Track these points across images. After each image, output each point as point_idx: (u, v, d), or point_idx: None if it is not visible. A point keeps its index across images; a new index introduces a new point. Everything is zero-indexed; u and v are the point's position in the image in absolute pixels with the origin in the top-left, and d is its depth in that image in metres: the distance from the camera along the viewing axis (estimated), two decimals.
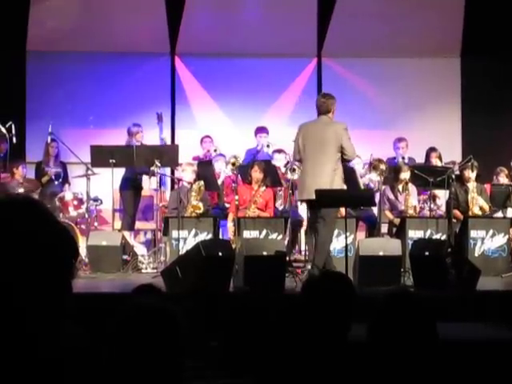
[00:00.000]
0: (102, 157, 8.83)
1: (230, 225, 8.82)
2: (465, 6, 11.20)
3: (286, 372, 2.73)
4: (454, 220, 8.87)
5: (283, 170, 9.23)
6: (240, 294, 6.86)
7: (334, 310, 2.78)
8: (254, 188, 8.93)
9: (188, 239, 8.30)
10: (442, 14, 11.21)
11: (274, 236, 8.31)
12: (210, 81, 11.48)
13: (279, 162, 9.44)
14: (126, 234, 9.08)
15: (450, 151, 10.62)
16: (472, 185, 9.12)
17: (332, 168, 7.36)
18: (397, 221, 8.92)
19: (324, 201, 7.25)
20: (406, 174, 9.05)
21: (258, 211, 8.87)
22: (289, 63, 11.41)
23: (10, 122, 8.86)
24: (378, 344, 2.53)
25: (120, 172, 9.24)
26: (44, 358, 1.42)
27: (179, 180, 9.42)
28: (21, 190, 8.78)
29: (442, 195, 9.60)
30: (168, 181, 10.64)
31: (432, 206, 9.17)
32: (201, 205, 8.71)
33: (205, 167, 9.28)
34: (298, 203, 8.97)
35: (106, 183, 9.05)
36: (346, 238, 7.38)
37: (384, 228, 8.95)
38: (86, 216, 9.11)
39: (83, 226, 9.28)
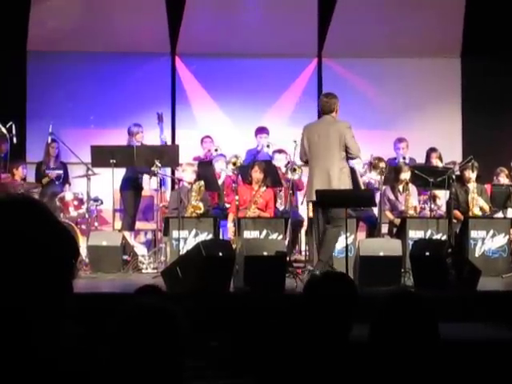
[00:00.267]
0: (102, 157, 8.83)
1: (230, 225, 8.82)
2: (465, 6, 11.20)
3: (287, 372, 2.73)
4: (455, 220, 8.86)
5: (283, 170, 9.23)
6: (240, 294, 6.86)
7: (335, 310, 2.78)
8: (255, 188, 8.93)
9: (188, 239, 8.29)
10: (442, 14, 11.21)
11: (274, 236, 8.30)
12: (210, 81, 11.48)
13: (279, 162, 9.43)
14: (127, 234, 9.07)
15: (451, 151, 10.62)
16: (472, 185, 9.11)
17: (339, 167, 7.40)
18: (397, 221, 8.91)
19: (324, 201, 7.26)
20: (406, 175, 9.05)
21: (258, 211, 8.87)
22: (289, 63, 11.40)
23: (11, 122, 8.84)
24: (379, 344, 2.53)
25: (120, 172, 9.24)
26: (44, 358, 1.42)
27: (179, 180, 9.42)
28: (21, 191, 8.77)
29: (443, 195, 9.59)
30: (168, 181, 10.64)
31: (432, 206, 9.16)
32: (201, 205, 8.71)
33: (205, 167, 9.28)
34: (299, 203, 8.96)
35: (107, 183, 9.04)
36: (347, 238, 7.41)
37: (384, 228, 8.95)
38: (87, 216, 9.11)
39: (83, 226, 9.28)
